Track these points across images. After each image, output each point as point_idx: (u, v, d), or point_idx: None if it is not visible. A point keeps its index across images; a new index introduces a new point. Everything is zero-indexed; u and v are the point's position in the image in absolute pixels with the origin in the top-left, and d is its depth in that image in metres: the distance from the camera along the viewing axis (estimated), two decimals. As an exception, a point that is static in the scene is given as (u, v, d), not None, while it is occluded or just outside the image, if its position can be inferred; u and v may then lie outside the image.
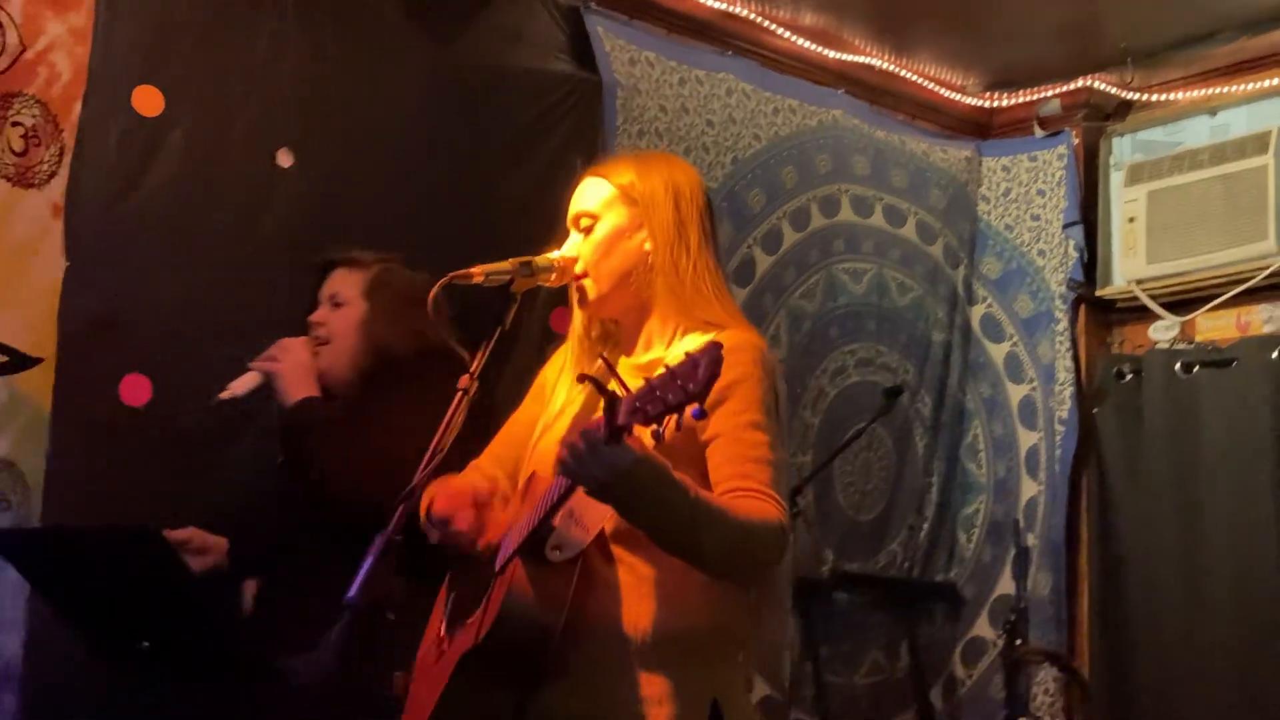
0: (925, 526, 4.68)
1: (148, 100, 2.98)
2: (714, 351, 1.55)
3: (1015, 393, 4.79)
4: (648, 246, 2.04)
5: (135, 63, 2.97)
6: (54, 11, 2.89)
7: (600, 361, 1.89)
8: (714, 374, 1.54)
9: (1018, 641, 4.19)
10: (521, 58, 3.66)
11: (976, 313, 4.91)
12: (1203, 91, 4.54)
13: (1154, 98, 4.67)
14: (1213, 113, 4.51)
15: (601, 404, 1.62)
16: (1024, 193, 4.85)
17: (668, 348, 2.04)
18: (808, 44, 4.36)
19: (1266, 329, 4.34)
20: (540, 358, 2.30)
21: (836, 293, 4.47)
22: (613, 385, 1.61)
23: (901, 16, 4.34)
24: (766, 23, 4.24)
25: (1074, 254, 4.67)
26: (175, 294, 2.96)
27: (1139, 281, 4.58)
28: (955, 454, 4.80)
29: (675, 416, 1.56)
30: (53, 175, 2.86)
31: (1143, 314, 4.62)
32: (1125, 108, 4.75)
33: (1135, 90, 4.68)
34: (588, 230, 2.07)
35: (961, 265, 4.87)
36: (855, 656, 4.42)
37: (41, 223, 2.83)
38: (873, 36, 4.48)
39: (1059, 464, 4.60)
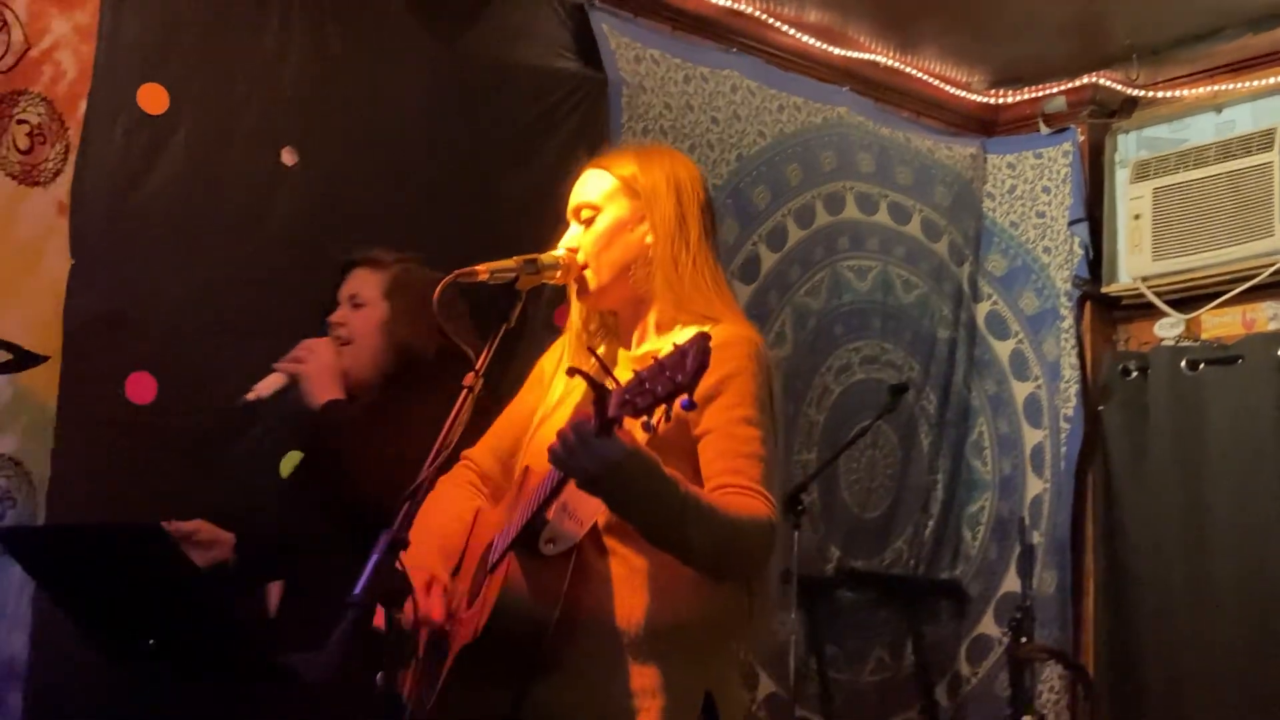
0: (930, 524, 4.67)
1: (153, 98, 2.98)
2: (701, 342, 1.54)
3: (1020, 390, 4.79)
4: (649, 240, 2.03)
5: (140, 61, 2.98)
6: (59, 10, 2.89)
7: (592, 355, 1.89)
8: (702, 365, 1.53)
9: (1023, 639, 4.19)
10: (526, 55, 3.66)
11: (982, 310, 4.90)
12: (1208, 88, 4.53)
13: (1159, 94, 4.66)
14: (1218, 109, 4.51)
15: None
16: (1029, 190, 4.85)
17: (665, 340, 2.03)
18: (812, 41, 4.35)
19: (1272, 326, 4.33)
20: (544, 355, 2.29)
21: (841, 290, 4.47)
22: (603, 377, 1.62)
23: (906, 13, 4.33)
24: (771, 20, 4.24)
25: (1079, 251, 4.66)
26: (180, 291, 2.97)
27: (1144, 278, 4.57)
28: (960, 451, 4.80)
29: (665, 408, 1.56)
30: (58, 173, 2.86)
31: (1148, 311, 4.61)
32: (1130, 104, 4.75)
33: (1140, 87, 4.67)
34: (588, 222, 2.06)
35: (967, 262, 4.86)
36: (860, 654, 4.42)
37: (47, 220, 2.84)
38: (878, 33, 4.47)
39: (1064, 461, 4.59)
